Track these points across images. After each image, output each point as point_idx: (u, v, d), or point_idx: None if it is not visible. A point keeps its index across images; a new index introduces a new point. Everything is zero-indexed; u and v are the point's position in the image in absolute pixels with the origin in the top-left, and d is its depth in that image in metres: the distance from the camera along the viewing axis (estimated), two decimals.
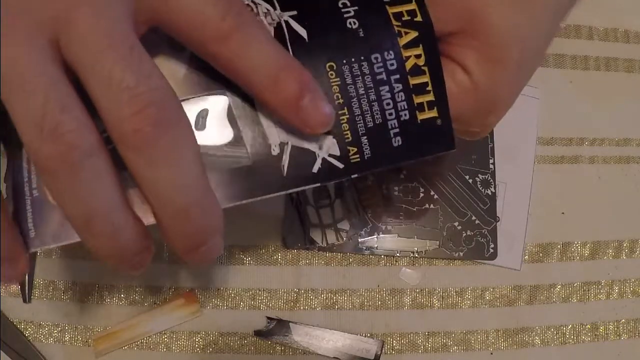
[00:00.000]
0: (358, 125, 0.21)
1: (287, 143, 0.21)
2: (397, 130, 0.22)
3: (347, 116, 0.21)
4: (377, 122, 0.22)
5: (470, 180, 0.37)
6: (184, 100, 0.20)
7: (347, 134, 0.21)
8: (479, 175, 0.37)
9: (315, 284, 0.34)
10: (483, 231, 0.36)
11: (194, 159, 0.18)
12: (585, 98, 0.40)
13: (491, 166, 0.37)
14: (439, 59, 0.22)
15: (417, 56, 0.22)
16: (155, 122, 0.17)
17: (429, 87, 0.22)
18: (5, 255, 0.19)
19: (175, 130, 0.18)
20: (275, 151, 0.21)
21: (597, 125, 0.40)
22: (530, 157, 0.38)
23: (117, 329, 0.32)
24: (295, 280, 0.34)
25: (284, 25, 0.21)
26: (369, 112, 0.22)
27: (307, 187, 0.21)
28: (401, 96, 0.22)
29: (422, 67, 0.22)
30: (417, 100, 0.22)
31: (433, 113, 0.22)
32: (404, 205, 0.36)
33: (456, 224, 0.36)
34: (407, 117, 0.22)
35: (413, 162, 0.22)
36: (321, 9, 0.22)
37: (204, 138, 0.21)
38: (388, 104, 0.22)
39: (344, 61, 0.21)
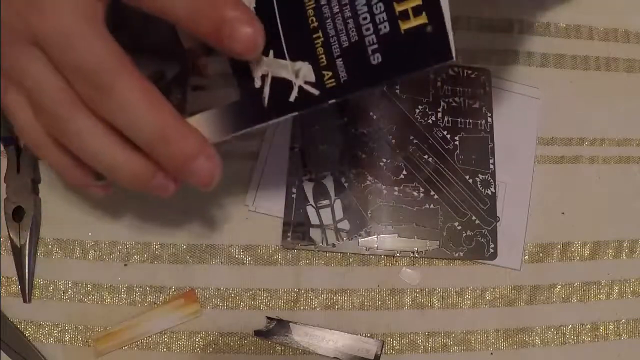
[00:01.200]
0: (332, 47, 0.20)
1: (267, 74, 0.21)
2: (375, 46, 0.20)
3: (322, 39, 0.20)
4: (353, 41, 0.20)
5: (470, 180, 0.37)
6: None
7: (322, 58, 0.20)
8: (479, 175, 0.37)
9: (315, 284, 0.34)
10: (483, 231, 0.36)
11: (144, 100, 0.21)
12: (585, 98, 0.40)
13: (491, 166, 0.37)
14: None
15: None
16: (96, 86, 0.21)
17: None
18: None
19: (115, 88, 0.21)
20: (258, 84, 0.21)
21: (597, 125, 0.40)
22: (530, 157, 0.38)
23: (117, 329, 0.32)
24: (295, 280, 0.34)
25: None
26: (344, 30, 0.20)
27: (285, 117, 0.21)
28: (379, 7, 0.19)
29: None
30: (400, 7, 0.19)
31: (421, 19, 0.19)
32: (403, 205, 0.36)
33: (456, 224, 0.36)
34: (388, 29, 0.19)
35: (402, 78, 0.20)
36: None
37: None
38: (365, 18, 0.20)
39: None
